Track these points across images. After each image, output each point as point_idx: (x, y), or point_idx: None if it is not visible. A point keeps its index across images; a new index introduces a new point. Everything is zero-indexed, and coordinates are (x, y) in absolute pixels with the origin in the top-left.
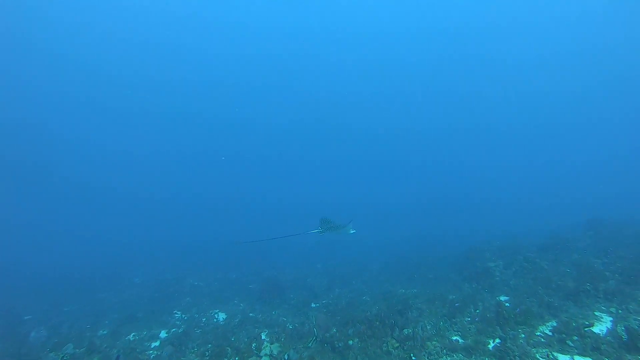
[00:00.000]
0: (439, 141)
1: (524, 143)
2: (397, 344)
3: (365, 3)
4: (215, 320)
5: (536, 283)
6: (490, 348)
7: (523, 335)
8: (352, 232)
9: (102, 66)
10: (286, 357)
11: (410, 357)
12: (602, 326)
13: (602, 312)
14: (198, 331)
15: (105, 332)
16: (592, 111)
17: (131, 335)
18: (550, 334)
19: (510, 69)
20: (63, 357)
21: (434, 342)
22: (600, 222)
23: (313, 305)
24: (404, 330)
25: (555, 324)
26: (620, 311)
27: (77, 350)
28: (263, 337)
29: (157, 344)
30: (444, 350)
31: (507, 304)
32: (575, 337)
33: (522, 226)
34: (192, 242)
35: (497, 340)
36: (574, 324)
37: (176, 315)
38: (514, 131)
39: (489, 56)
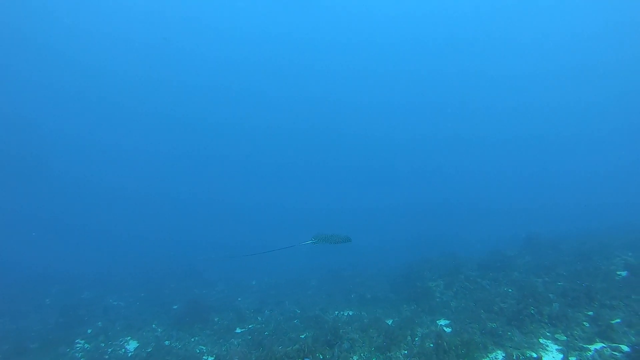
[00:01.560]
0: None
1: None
2: None
3: (364, 10)
4: (122, 351)
5: (478, 305)
6: None
7: None
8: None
9: (100, 65)
10: None
11: None
12: (548, 357)
13: (548, 339)
14: None
15: None
16: (550, 125)
17: None
18: None
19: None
20: None
21: None
22: (538, 237)
23: (238, 330)
24: None
25: (499, 357)
26: (566, 338)
27: None
28: None
29: None
30: None
31: (447, 329)
32: None
33: (466, 237)
34: (141, 251)
35: None
36: (521, 357)
37: (78, 345)
38: (486, 140)
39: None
